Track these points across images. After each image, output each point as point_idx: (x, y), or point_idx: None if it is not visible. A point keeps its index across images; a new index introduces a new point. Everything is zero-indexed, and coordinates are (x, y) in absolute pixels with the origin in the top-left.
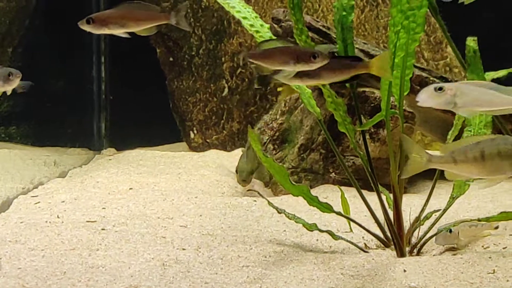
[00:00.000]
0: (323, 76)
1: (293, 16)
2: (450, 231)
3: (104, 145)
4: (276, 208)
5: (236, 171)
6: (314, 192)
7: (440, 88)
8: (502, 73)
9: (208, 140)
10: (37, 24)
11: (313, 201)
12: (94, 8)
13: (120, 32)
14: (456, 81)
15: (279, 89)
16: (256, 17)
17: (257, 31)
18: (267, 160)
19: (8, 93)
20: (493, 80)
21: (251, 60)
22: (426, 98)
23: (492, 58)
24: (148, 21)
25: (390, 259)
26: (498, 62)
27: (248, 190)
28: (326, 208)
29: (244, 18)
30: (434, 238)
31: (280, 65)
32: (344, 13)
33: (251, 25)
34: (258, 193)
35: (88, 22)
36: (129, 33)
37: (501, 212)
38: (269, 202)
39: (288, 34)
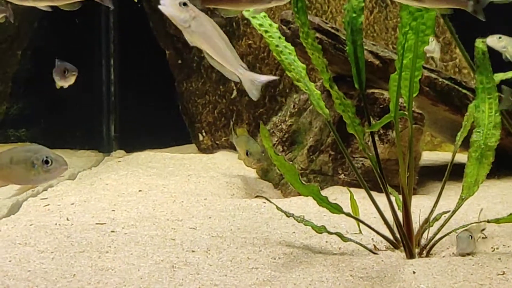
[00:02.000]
0: None
1: (298, 20)
2: (471, 237)
3: (114, 147)
4: (285, 212)
5: (247, 153)
6: (323, 193)
7: (185, 4)
8: (511, 74)
9: (217, 142)
10: (46, 27)
11: (323, 202)
12: (103, 9)
13: (42, 5)
14: (465, 82)
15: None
16: (265, 16)
17: (266, 31)
18: (278, 158)
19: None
20: (502, 82)
21: None
22: (168, 5)
23: (501, 59)
24: None
25: (399, 261)
26: (508, 63)
27: (256, 196)
28: (336, 209)
29: (253, 17)
30: (458, 247)
31: None
32: (354, 15)
33: (260, 25)
34: (266, 198)
35: None
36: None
37: (511, 214)
38: (277, 207)
39: (297, 36)
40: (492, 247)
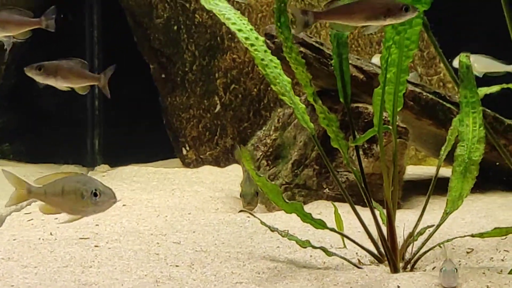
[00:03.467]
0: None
1: (281, 34)
2: (456, 270)
3: (98, 162)
4: (269, 227)
5: (241, 195)
6: (307, 208)
7: None
8: (495, 88)
9: (201, 156)
10: (30, 41)
11: (307, 218)
12: (87, 23)
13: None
14: (449, 96)
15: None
16: (251, 29)
17: (252, 44)
18: (260, 179)
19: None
20: (486, 96)
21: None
22: None
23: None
24: (24, 25)
25: (383, 275)
26: (491, 77)
27: (240, 211)
28: (320, 224)
29: (240, 30)
30: (444, 281)
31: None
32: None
33: (246, 38)
34: (250, 213)
35: None
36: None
37: (495, 228)
38: (261, 221)
39: (281, 50)
40: (477, 261)
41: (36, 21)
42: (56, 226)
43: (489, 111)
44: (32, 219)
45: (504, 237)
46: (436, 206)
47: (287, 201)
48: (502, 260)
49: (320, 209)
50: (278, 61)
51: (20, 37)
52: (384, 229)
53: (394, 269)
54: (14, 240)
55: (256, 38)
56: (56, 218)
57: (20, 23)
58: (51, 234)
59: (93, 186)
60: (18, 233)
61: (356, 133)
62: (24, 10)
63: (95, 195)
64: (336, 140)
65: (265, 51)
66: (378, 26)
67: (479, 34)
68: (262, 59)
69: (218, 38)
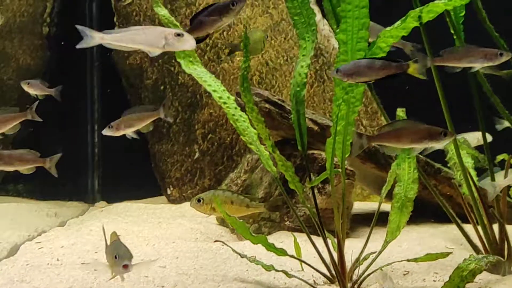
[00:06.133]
0: None
1: (244, 97)
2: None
3: (97, 199)
4: (239, 254)
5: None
6: (272, 237)
7: None
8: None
9: (184, 194)
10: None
11: (270, 247)
12: (88, 86)
13: None
14: None
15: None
16: (224, 90)
17: (225, 102)
18: (230, 218)
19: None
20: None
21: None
22: None
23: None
24: (12, 120)
25: None
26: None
27: (215, 241)
28: (281, 252)
29: (214, 91)
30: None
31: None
32: (298, 88)
33: (220, 97)
34: (224, 242)
35: None
36: None
37: (427, 254)
38: (233, 250)
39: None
40: (411, 282)
41: (23, 113)
42: (62, 253)
43: (421, 156)
44: (42, 247)
45: (434, 261)
46: (378, 236)
47: (253, 234)
48: (433, 281)
49: (282, 238)
50: (246, 116)
51: (11, 132)
52: (335, 255)
53: None
54: (27, 265)
55: (228, 97)
56: (62, 247)
57: (7, 119)
58: (57, 260)
59: (117, 251)
60: (30, 259)
61: (312, 175)
62: (10, 107)
63: (115, 257)
64: (293, 182)
65: (236, 108)
66: (421, 147)
67: (415, 89)
68: (233, 115)
69: (198, 96)
